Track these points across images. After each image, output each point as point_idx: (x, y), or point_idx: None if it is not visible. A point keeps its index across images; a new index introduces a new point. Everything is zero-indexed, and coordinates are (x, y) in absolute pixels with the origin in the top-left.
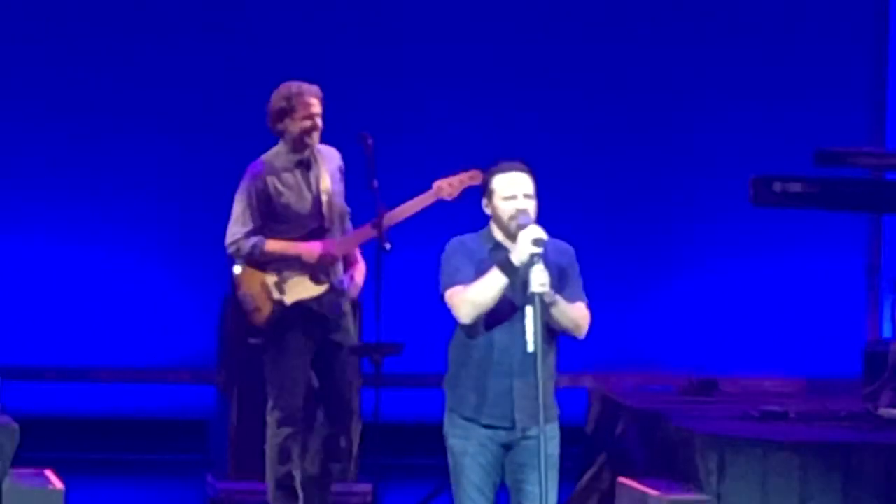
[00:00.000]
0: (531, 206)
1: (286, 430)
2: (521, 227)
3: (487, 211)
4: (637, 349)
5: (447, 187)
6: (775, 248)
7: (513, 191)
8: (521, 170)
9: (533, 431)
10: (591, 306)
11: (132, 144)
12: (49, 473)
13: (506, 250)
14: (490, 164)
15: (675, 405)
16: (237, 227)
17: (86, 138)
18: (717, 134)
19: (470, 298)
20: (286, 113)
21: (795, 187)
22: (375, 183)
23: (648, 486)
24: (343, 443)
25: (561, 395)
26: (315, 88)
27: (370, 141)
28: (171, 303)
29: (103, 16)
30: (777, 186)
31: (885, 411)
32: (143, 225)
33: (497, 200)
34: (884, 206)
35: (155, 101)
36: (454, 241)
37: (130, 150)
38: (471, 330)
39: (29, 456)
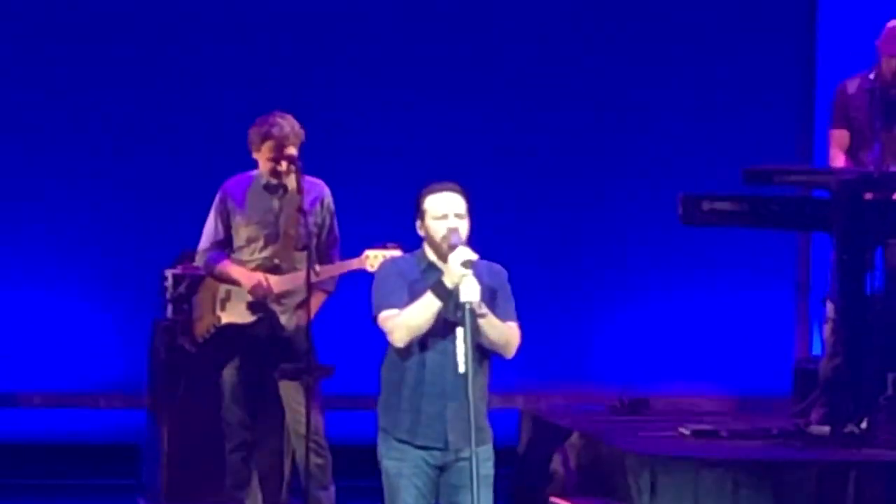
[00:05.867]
0: (463, 225)
1: (229, 444)
2: (452, 247)
3: (421, 232)
4: (568, 369)
5: (372, 258)
6: (705, 266)
7: (444, 210)
8: (453, 190)
9: (466, 453)
10: (523, 326)
11: (59, 167)
12: None
13: (438, 271)
14: (423, 187)
15: (606, 425)
16: (202, 240)
17: (12, 162)
18: (647, 154)
19: (404, 322)
20: (257, 146)
21: (724, 206)
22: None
23: None
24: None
25: (493, 415)
26: (287, 128)
27: (298, 164)
28: (101, 327)
29: (34, 51)
30: (706, 205)
31: (815, 428)
32: (72, 248)
33: (429, 220)
34: (812, 224)
35: (84, 125)
36: (386, 262)
37: (58, 173)
38: (403, 352)
39: None
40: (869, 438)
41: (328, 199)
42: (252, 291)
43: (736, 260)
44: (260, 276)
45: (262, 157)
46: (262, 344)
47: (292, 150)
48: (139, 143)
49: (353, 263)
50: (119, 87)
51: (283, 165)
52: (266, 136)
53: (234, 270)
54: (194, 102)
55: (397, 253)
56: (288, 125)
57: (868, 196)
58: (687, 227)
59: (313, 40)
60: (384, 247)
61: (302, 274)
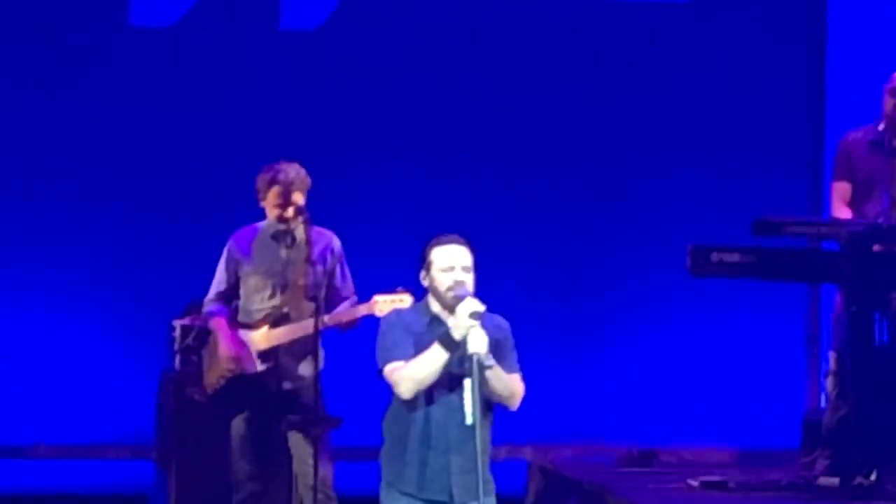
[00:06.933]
0: (469, 279)
1: (237, 496)
2: (459, 299)
3: (425, 283)
4: (577, 420)
5: (381, 303)
6: (714, 318)
7: (451, 262)
8: (460, 243)
9: None
10: (530, 376)
11: (67, 218)
12: None
13: (443, 323)
14: (428, 239)
15: (615, 476)
16: (210, 290)
17: (19, 204)
18: (655, 203)
19: (411, 374)
20: (263, 193)
21: (733, 257)
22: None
23: None
24: None
25: (501, 466)
26: (293, 174)
27: (307, 214)
28: (109, 377)
29: (49, 105)
30: (715, 256)
31: (824, 481)
32: (81, 299)
33: (435, 272)
34: (821, 276)
35: (91, 175)
36: (391, 314)
37: (65, 223)
38: (408, 405)
39: None
40: (878, 491)
41: (338, 248)
42: (224, 360)
43: (745, 311)
44: (235, 353)
45: (269, 203)
46: (271, 395)
47: (298, 196)
48: (147, 195)
49: (362, 309)
50: (129, 137)
51: (290, 211)
52: (272, 182)
53: (221, 334)
54: (204, 154)
55: (407, 298)
56: (294, 171)
57: (877, 248)
58: (696, 279)
59: (320, 90)
60: (394, 292)
61: (310, 323)
